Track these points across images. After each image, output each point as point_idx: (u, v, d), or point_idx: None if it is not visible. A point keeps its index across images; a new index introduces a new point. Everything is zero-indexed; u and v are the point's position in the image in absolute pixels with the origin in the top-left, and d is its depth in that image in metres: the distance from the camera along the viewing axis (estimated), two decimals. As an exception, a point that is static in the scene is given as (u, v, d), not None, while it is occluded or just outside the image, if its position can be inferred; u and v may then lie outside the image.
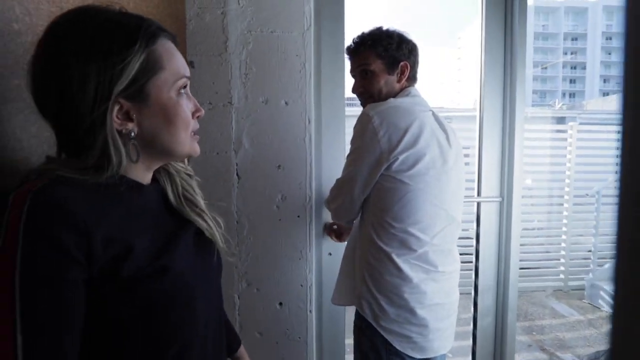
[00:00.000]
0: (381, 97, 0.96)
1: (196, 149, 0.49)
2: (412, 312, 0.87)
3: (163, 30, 0.43)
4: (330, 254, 1.34)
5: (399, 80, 0.96)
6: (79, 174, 0.40)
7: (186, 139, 0.46)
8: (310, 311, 1.23)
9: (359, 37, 0.98)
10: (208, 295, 0.52)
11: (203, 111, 0.48)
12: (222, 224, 0.55)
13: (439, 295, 0.91)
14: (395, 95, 0.96)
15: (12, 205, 0.36)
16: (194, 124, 0.47)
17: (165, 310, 0.44)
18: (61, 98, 0.39)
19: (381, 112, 0.86)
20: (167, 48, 0.44)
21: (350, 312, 1.10)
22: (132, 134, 0.42)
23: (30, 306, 0.35)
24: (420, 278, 0.88)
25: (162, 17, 0.97)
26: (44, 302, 0.36)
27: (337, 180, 1.00)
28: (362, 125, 0.88)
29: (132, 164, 0.45)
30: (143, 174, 0.48)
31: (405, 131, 0.84)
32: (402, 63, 0.95)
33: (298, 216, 1.20)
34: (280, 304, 1.21)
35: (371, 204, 0.92)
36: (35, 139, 0.49)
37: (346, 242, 1.12)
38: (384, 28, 0.98)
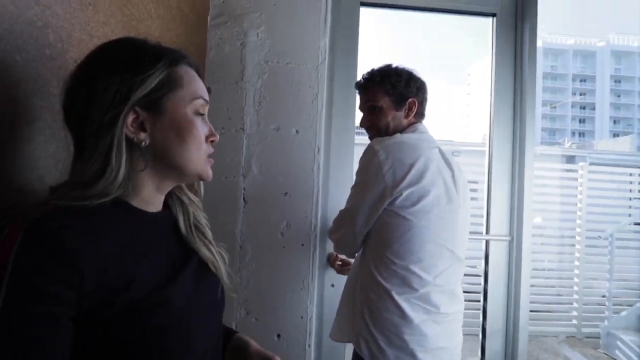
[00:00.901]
0: (388, 132, 0.96)
1: (208, 172, 0.49)
2: (412, 355, 0.83)
3: (187, 58, 0.47)
4: (332, 285, 1.30)
5: (406, 117, 0.97)
6: (79, 200, 0.40)
7: (198, 159, 0.47)
8: (309, 345, 1.17)
9: (368, 73, 1.00)
10: (206, 330, 0.50)
11: (218, 137, 0.49)
12: (227, 260, 0.54)
13: (441, 339, 0.87)
14: (402, 130, 0.97)
15: (6, 237, 0.36)
16: (207, 148, 0.48)
17: (159, 344, 0.42)
18: (85, 105, 0.42)
19: (387, 146, 0.87)
20: (187, 71, 0.47)
21: (350, 348, 1.05)
22: (144, 144, 0.43)
23: (8, 345, 0.34)
24: (421, 319, 0.85)
25: (184, 46, 1.02)
26: (22, 341, 0.35)
27: (341, 211, 1.00)
28: (368, 159, 0.88)
29: (141, 186, 0.45)
30: (152, 196, 0.47)
31: (410, 167, 0.84)
32: (409, 100, 0.96)
33: (302, 245, 1.19)
34: (279, 335, 1.17)
35: (373, 238, 0.90)
36: (52, 159, 0.51)
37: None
38: (394, 65, 1.00)
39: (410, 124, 0.98)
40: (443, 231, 0.88)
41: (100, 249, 0.39)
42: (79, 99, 0.43)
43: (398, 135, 0.94)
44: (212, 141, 0.49)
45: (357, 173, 0.94)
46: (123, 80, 0.42)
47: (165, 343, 0.43)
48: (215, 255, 0.52)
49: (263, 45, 1.21)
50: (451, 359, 0.90)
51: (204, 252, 0.51)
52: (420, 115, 1.00)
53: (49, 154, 0.50)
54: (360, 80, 1.03)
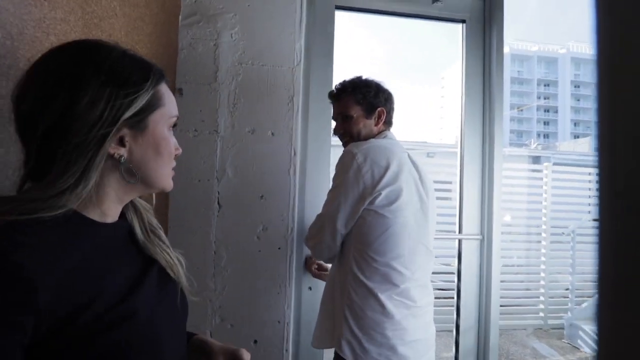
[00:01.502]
0: (360, 138, 1.03)
1: (171, 184, 0.50)
2: (393, 349, 0.87)
3: (165, 75, 0.48)
4: (310, 288, 1.30)
5: (376, 124, 1.05)
6: (29, 213, 0.37)
7: (167, 173, 0.49)
8: (287, 350, 1.16)
9: (340, 84, 1.08)
10: (174, 340, 0.49)
11: (180, 150, 0.51)
12: (184, 264, 0.54)
13: (418, 332, 0.91)
14: (373, 137, 1.03)
15: None
16: (173, 161, 0.50)
17: (127, 359, 0.41)
18: (63, 113, 0.39)
19: (364, 150, 0.92)
20: (167, 89, 0.48)
21: (328, 353, 1.05)
22: (123, 159, 0.44)
23: None
24: (403, 314, 0.89)
25: (154, 46, 0.98)
26: None
27: (318, 216, 1.01)
28: (346, 162, 0.92)
29: (104, 198, 0.44)
30: (111, 208, 0.46)
31: (387, 168, 0.89)
32: (379, 109, 1.03)
33: (279, 248, 1.17)
34: (255, 341, 1.15)
35: (353, 239, 0.93)
36: (1, 164, 0.47)
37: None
38: (364, 77, 1.09)
39: (380, 131, 1.05)
40: (418, 228, 0.94)
41: (57, 265, 0.37)
42: (52, 108, 0.39)
43: (372, 140, 0.99)
44: (176, 155, 0.50)
45: (335, 176, 0.96)
46: (113, 97, 0.41)
47: (133, 357, 0.41)
48: (174, 260, 0.52)
49: (237, 46, 1.19)
50: (426, 350, 0.94)
51: (163, 257, 0.51)
52: (388, 123, 1.07)
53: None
54: (333, 91, 1.09)
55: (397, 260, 0.89)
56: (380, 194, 0.88)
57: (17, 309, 0.34)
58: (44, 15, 0.52)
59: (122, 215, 0.50)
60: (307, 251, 1.29)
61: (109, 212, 0.46)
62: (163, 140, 0.46)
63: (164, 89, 0.47)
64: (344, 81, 1.07)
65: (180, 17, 1.17)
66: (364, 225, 0.90)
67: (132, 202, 0.51)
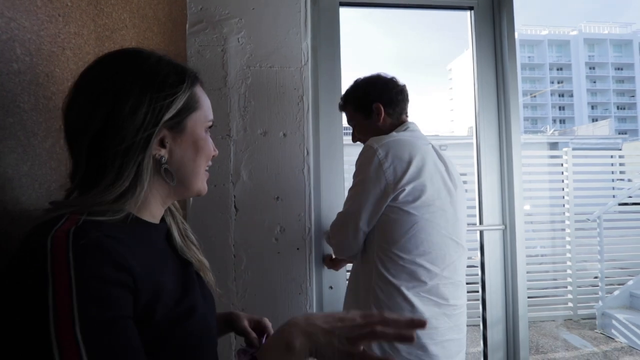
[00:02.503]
0: None
1: (205, 187, 0.51)
2: (423, 348, 0.84)
3: (199, 77, 0.50)
4: (331, 287, 1.29)
5: (381, 120, 1.00)
6: (100, 215, 0.40)
7: (203, 175, 0.50)
8: (312, 351, 1.16)
9: (341, 96, 1.09)
10: (215, 337, 0.52)
11: (217, 152, 0.53)
12: (209, 266, 0.56)
13: (451, 332, 0.88)
14: (389, 131, 0.99)
15: (54, 248, 0.35)
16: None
17: (195, 352, 0.44)
18: (107, 119, 0.41)
19: (385, 144, 0.88)
20: (202, 92, 0.50)
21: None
22: (163, 160, 0.45)
23: (99, 353, 0.34)
24: (433, 313, 0.86)
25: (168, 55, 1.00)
26: (110, 345, 0.34)
27: (340, 214, 0.98)
28: (367, 158, 0.88)
29: (151, 200, 0.46)
30: (156, 210, 0.48)
31: (409, 163, 0.85)
32: (374, 105, 1.00)
33: (297, 249, 1.17)
34: (280, 343, 1.14)
35: (376, 237, 0.90)
36: (27, 177, 0.48)
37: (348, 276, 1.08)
38: (355, 80, 1.06)
39: (398, 124, 1.01)
40: (446, 223, 0.89)
41: (134, 259, 0.39)
42: (97, 116, 0.41)
43: (393, 133, 0.95)
44: (213, 156, 0.52)
45: (356, 173, 0.93)
46: (153, 100, 0.43)
47: (199, 352, 0.44)
48: (204, 262, 0.54)
49: (244, 50, 1.20)
50: (459, 350, 0.90)
51: (196, 259, 0.53)
52: (395, 114, 1.01)
53: (23, 173, 0.47)
54: (339, 103, 1.11)
55: (424, 258, 0.86)
56: (404, 190, 0.84)
57: (127, 290, 0.37)
58: (59, 30, 0.54)
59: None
60: (326, 249, 1.29)
61: (156, 214, 0.48)
62: (201, 141, 0.48)
63: (200, 91, 0.49)
64: (344, 92, 1.08)
65: (187, 25, 1.19)
66: (388, 222, 0.86)
67: (168, 206, 0.52)
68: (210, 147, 0.50)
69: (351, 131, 1.11)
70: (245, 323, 0.61)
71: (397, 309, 0.85)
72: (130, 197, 0.42)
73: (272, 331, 0.58)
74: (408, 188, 0.84)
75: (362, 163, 0.90)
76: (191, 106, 0.47)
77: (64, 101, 0.44)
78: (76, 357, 0.32)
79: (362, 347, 0.40)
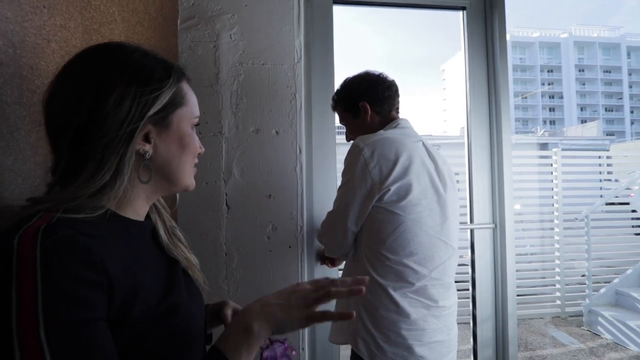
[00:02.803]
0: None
1: (193, 183, 0.51)
2: (409, 349, 0.83)
3: (186, 73, 0.49)
4: (323, 285, 1.29)
5: (369, 119, 0.99)
6: (77, 212, 0.39)
7: (190, 171, 0.50)
8: (303, 349, 1.15)
9: (332, 96, 1.09)
10: (202, 336, 0.51)
11: (204, 149, 0.52)
12: (197, 264, 0.55)
13: (440, 333, 0.87)
14: (379, 129, 0.97)
15: (21, 247, 0.34)
16: (195, 160, 0.51)
17: (179, 351, 0.43)
18: (91, 113, 0.40)
19: (371, 143, 0.87)
20: (189, 88, 0.50)
21: (345, 349, 1.04)
22: (147, 155, 0.44)
23: (63, 354, 0.32)
24: (420, 314, 0.85)
25: (154, 50, 0.98)
26: (77, 348, 0.33)
27: (329, 213, 0.98)
28: (353, 157, 0.88)
29: (135, 197, 0.45)
30: (140, 207, 0.47)
31: (395, 162, 0.85)
32: (360, 104, 0.99)
33: (289, 247, 1.17)
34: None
35: (364, 237, 0.90)
36: (10, 172, 0.47)
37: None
38: (344, 79, 1.06)
39: (392, 120, 1.00)
40: (433, 223, 0.88)
41: (111, 256, 0.38)
42: (81, 109, 0.40)
43: (381, 132, 0.94)
44: (199, 154, 0.51)
45: (344, 173, 0.93)
46: (137, 94, 0.42)
47: (181, 350, 0.43)
48: (192, 259, 0.53)
49: (237, 46, 1.19)
50: (448, 351, 0.90)
51: (183, 257, 0.52)
52: (385, 110, 1.00)
53: (5, 167, 0.46)
54: (331, 104, 1.11)
55: (411, 258, 0.85)
56: (389, 190, 0.83)
57: (100, 291, 0.36)
58: (43, 22, 0.52)
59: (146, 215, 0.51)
60: (318, 247, 1.28)
61: (140, 210, 0.47)
62: (187, 137, 0.48)
63: (187, 87, 0.48)
64: (335, 92, 1.09)
65: (178, 21, 1.17)
66: (375, 222, 0.86)
67: (154, 203, 0.52)
68: (196, 144, 0.50)
69: (344, 130, 1.12)
70: (228, 311, 0.61)
71: (384, 309, 0.84)
72: (109, 191, 0.41)
73: None
74: (393, 188, 0.83)
75: (349, 162, 0.89)
76: (177, 102, 0.46)
77: (44, 95, 0.43)
78: (40, 356, 0.31)
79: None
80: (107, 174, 0.41)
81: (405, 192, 0.84)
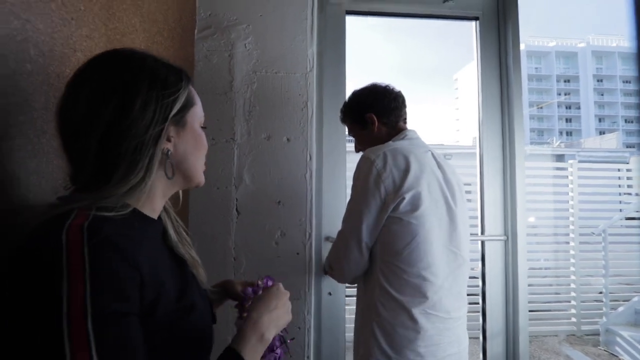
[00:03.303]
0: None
1: (204, 178, 0.54)
2: None
3: (189, 76, 0.53)
4: (330, 293, 1.29)
5: (376, 130, 1.00)
6: (109, 210, 0.41)
7: (202, 167, 0.53)
8: (308, 357, 1.15)
9: (340, 109, 1.11)
10: (212, 335, 0.53)
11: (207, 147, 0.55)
12: (201, 264, 0.57)
13: (452, 346, 0.86)
14: (386, 139, 0.98)
15: (69, 244, 0.36)
16: None
17: (197, 345, 0.45)
18: (117, 117, 0.42)
19: (382, 155, 0.87)
20: (194, 90, 0.53)
21: (350, 357, 1.03)
22: (169, 153, 0.47)
23: (108, 344, 0.35)
24: (437, 330, 0.83)
25: (172, 59, 1.02)
26: (119, 338, 0.36)
27: (340, 232, 0.94)
28: (365, 169, 0.87)
29: (155, 193, 0.48)
30: (158, 204, 0.49)
31: (407, 171, 0.84)
32: (367, 115, 1.00)
33: (297, 253, 1.17)
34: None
35: (379, 250, 0.87)
36: (35, 175, 0.49)
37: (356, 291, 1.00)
38: (352, 92, 1.07)
39: (399, 131, 1.00)
40: (445, 233, 0.88)
41: (142, 255, 0.41)
42: (106, 114, 0.42)
43: (390, 143, 0.94)
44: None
45: (355, 186, 0.91)
46: (160, 97, 0.45)
47: (197, 346, 0.46)
48: (197, 260, 0.55)
49: (251, 55, 1.22)
50: (458, 358, 0.88)
51: (190, 255, 0.54)
52: (392, 122, 1.00)
53: (30, 171, 0.49)
54: (340, 116, 1.12)
55: (427, 270, 0.83)
56: (403, 198, 0.82)
57: (137, 288, 0.38)
58: (71, 33, 0.55)
59: None
60: (325, 255, 1.28)
61: (157, 208, 0.50)
62: (200, 135, 0.51)
63: (193, 90, 0.52)
64: (343, 105, 1.10)
65: (195, 30, 1.21)
66: (389, 234, 0.84)
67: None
68: (205, 141, 0.53)
69: (354, 141, 1.12)
70: (239, 288, 0.65)
71: (402, 327, 0.82)
72: (138, 190, 0.43)
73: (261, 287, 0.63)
74: (408, 197, 0.83)
75: (360, 175, 0.88)
76: (190, 102, 0.50)
77: (59, 103, 0.44)
78: (86, 349, 0.33)
79: None
80: (140, 174, 0.43)
81: (418, 202, 0.84)
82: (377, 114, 0.99)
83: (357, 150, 1.08)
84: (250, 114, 1.20)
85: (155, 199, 0.48)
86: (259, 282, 0.64)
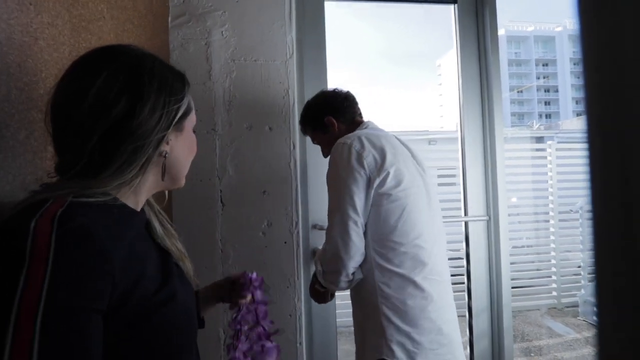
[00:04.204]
0: None
1: (184, 180, 0.54)
2: (440, 331, 0.84)
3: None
4: (319, 280, 1.30)
5: (335, 130, 1.03)
6: (87, 197, 0.40)
7: (187, 170, 0.54)
8: (300, 343, 1.17)
9: (299, 122, 1.13)
10: (196, 326, 0.53)
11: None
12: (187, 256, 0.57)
13: (450, 309, 0.90)
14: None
15: (37, 231, 0.35)
16: None
17: (172, 339, 0.45)
18: (123, 118, 0.42)
19: (357, 138, 0.90)
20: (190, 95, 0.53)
21: (343, 344, 1.05)
22: (166, 154, 0.48)
23: (52, 339, 0.33)
24: (439, 292, 0.87)
25: (146, 48, 0.98)
26: (66, 335, 0.34)
27: (333, 224, 0.88)
28: (344, 153, 0.88)
29: (142, 189, 0.48)
30: (142, 199, 0.50)
31: (383, 150, 0.88)
32: (325, 119, 1.03)
33: (285, 242, 1.17)
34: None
35: (370, 231, 0.87)
36: (1, 171, 0.47)
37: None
38: (306, 102, 1.10)
39: (357, 124, 1.02)
40: (425, 202, 0.92)
41: (119, 245, 0.40)
42: (114, 112, 0.42)
43: (356, 132, 0.96)
44: None
45: (334, 173, 0.90)
46: (166, 104, 0.45)
47: (177, 337, 0.45)
48: (183, 251, 0.55)
49: (228, 43, 1.18)
50: (456, 324, 0.92)
51: (175, 248, 0.53)
52: (348, 119, 1.03)
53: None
54: (300, 128, 1.13)
55: (421, 238, 0.87)
56: (388, 173, 0.85)
57: (103, 281, 0.37)
58: (30, 19, 0.52)
59: None
60: (314, 242, 1.29)
61: (140, 203, 0.50)
62: (193, 140, 0.53)
63: (191, 95, 0.52)
64: (300, 117, 1.11)
65: (169, 18, 1.17)
66: (381, 212, 0.86)
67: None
68: (196, 145, 0.54)
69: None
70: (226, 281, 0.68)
71: (410, 298, 0.83)
72: (126, 184, 0.44)
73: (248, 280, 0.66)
74: (392, 171, 0.86)
75: (340, 160, 0.88)
76: (189, 108, 0.51)
77: (57, 94, 0.43)
78: (28, 342, 0.32)
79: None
80: (132, 173, 0.43)
81: (401, 176, 0.87)
82: (333, 115, 1.03)
83: (325, 155, 1.08)
84: (231, 104, 1.18)
85: (141, 194, 0.48)
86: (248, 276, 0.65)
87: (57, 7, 0.58)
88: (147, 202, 0.53)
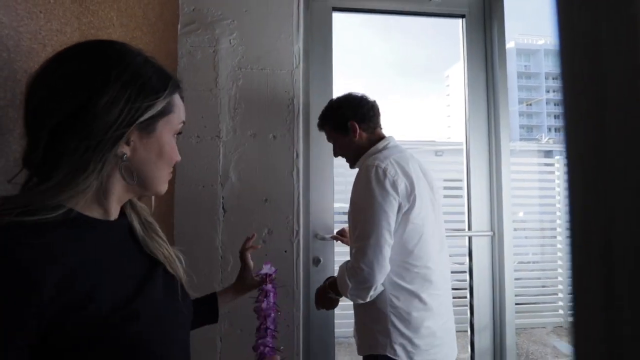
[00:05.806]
0: (358, 152, 1.05)
1: (165, 188, 0.50)
2: (434, 336, 0.94)
3: (180, 85, 0.50)
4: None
5: (358, 137, 1.04)
6: (30, 214, 0.37)
7: (164, 177, 0.49)
8: (297, 354, 1.15)
9: (319, 117, 1.12)
10: (180, 340, 0.50)
11: (180, 158, 0.51)
12: (183, 260, 0.54)
13: (447, 314, 0.99)
14: (367, 145, 1.04)
15: None
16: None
17: (136, 357, 0.41)
18: (80, 108, 0.39)
19: (389, 162, 0.94)
20: (179, 99, 0.49)
21: (343, 353, 1.03)
22: (125, 157, 0.43)
23: None
24: (438, 304, 0.96)
25: (154, 55, 1.00)
26: None
27: (368, 244, 0.90)
28: (380, 177, 0.91)
29: (107, 196, 0.44)
30: (112, 207, 0.46)
31: (411, 177, 0.94)
32: (349, 123, 1.04)
33: (285, 251, 1.17)
34: (265, 346, 1.13)
35: (391, 251, 0.93)
36: None
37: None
38: (330, 101, 1.11)
39: (376, 139, 1.04)
40: (434, 226, 0.99)
41: (58, 263, 0.37)
42: (71, 101, 0.39)
43: (385, 152, 0.99)
44: (175, 161, 0.51)
45: (370, 194, 0.91)
46: (130, 100, 0.41)
47: (143, 356, 0.41)
48: (172, 255, 0.52)
49: (236, 51, 1.20)
50: (451, 325, 1.02)
51: (161, 252, 0.50)
52: (371, 128, 1.05)
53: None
54: (318, 123, 1.13)
55: (430, 261, 0.95)
56: (415, 202, 0.92)
57: (19, 307, 0.34)
58: (39, 27, 0.53)
59: (122, 214, 0.49)
60: (313, 252, 1.28)
61: (111, 210, 0.46)
62: (167, 145, 0.47)
63: (177, 99, 0.48)
64: (321, 113, 1.12)
65: (179, 26, 1.19)
66: (403, 235, 0.93)
67: (130, 200, 0.51)
68: (174, 153, 0.49)
69: (333, 148, 1.13)
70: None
71: (415, 310, 0.93)
72: (80, 192, 0.40)
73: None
74: (417, 199, 0.92)
75: (377, 183, 0.90)
76: (167, 111, 0.46)
77: (33, 75, 0.41)
78: None
79: None
80: (90, 178, 0.40)
81: (420, 203, 0.94)
82: (358, 121, 1.04)
83: (336, 155, 1.11)
84: (236, 111, 1.19)
85: (107, 201, 0.44)
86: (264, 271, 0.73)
87: (67, 15, 0.59)
88: (131, 204, 0.50)
